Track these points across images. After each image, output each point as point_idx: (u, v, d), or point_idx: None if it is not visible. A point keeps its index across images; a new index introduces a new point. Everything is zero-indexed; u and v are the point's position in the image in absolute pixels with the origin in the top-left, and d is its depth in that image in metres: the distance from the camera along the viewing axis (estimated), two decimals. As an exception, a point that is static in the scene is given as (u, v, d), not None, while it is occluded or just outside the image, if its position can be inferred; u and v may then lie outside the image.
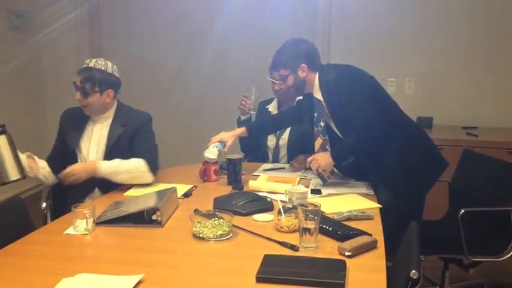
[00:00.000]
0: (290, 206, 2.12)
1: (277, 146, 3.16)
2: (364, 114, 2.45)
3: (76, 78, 2.56)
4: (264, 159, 3.19)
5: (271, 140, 3.18)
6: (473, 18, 4.20)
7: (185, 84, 4.93)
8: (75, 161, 2.60)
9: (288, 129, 3.13)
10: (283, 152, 3.15)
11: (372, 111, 2.45)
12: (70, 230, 1.97)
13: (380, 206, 2.27)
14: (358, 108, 2.45)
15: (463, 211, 2.47)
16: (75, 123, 2.65)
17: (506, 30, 4.17)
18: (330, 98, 2.56)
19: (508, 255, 2.52)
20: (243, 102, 3.12)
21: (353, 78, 2.52)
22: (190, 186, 2.56)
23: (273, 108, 3.22)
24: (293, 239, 1.85)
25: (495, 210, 2.56)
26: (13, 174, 2.27)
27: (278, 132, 3.14)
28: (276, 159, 3.17)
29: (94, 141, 2.63)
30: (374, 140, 2.49)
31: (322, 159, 2.54)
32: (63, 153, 2.63)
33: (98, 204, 2.19)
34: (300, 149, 3.01)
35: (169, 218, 2.12)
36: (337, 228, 1.90)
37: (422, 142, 2.67)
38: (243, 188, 2.54)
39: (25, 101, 4.97)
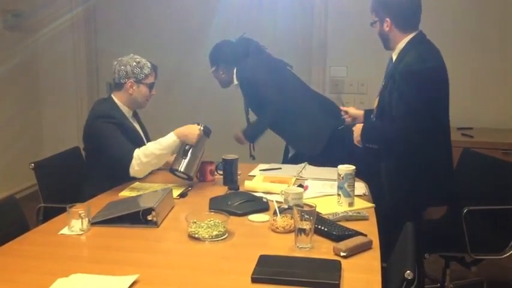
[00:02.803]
0: (286, 206, 2.11)
1: None
2: (405, 120, 2.37)
3: (150, 78, 2.71)
4: None
5: None
6: (469, 20, 4.21)
7: (183, 84, 4.92)
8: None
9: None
10: None
11: (413, 122, 2.36)
12: (65, 230, 1.96)
13: (373, 205, 2.27)
14: (402, 112, 2.37)
15: (466, 209, 2.49)
16: (117, 117, 2.66)
17: (502, 32, 4.18)
18: (394, 71, 2.45)
19: (510, 253, 2.54)
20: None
21: (420, 82, 2.35)
22: (186, 186, 2.56)
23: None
24: (288, 239, 1.86)
25: (498, 208, 2.58)
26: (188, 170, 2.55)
27: None
28: None
29: (140, 132, 2.81)
30: (404, 142, 2.42)
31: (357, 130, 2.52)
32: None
33: (93, 204, 2.19)
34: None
35: (164, 218, 2.12)
36: (332, 229, 1.90)
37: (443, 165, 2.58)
38: (238, 188, 2.54)
39: (21, 101, 4.96)
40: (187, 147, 2.55)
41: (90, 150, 2.71)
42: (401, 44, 2.49)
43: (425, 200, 2.55)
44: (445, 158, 2.57)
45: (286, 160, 3.36)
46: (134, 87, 2.67)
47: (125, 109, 2.72)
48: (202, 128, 2.58)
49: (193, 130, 2.55)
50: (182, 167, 2.54)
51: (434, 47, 2.53)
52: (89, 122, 2.64)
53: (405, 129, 2.38)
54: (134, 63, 2.66)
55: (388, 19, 2.46)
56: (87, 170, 2.73)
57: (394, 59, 2.54)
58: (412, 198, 2.48)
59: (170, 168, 2.58)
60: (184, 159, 2.55)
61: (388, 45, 2.57)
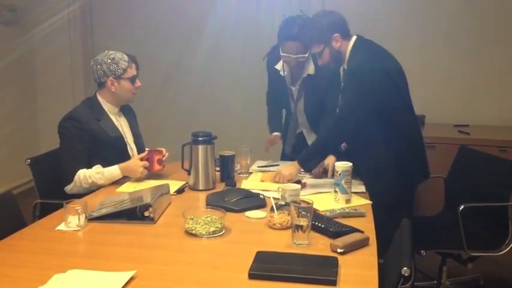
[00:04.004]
0: (283, 203, 2.11)
1: (295, 112, 3.07)
2: (345, 111, 2.50)
3: (130, 71, 2.63)
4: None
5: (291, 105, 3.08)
6: (465, 16, 4.21)
7: (180, 81, 4.91)
8: (125, 149, 2.69)
9: (302, 99, 3.00)
10: (303, 120, 3.07)
11: (352, 111, 2.45)
12: (62, 226, 1.96)
13: (370, 202, 2.28)
14: (343, 100, 2.50)
15: (462, 206, 2.49)
16: (94, 120, 2.62)
17: (498, 28, 4.18)
18: (345, 75, 2.57)
19: (506, 250, 2.57)
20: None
21: (361, 67, 2.43)
22: (183, 182, 2.55)
23: (280, 67, 2.97)
24: (285, 235, 1.86)
25: (494, 205, 2.59)
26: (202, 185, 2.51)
27: (295, 98, 3.01)
28: (296, 125, 3.10)
29: (126, 129, 2.76)
30: (344, 139, 2.56)
31: (285, 170, 2.55)
32: (105, 149, 2.60)
33: (90, 200, 2.18)
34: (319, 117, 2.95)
35: (161, 214, 2.12)
36: (329, 225, 1.91)
37: (414, 146, 2.60)
38: (235, 185, 2.54)
39: (17, 97, 4.94)
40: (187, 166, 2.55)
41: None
42: (348, 53, 2.54)
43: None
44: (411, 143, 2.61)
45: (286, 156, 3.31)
46: (115, 84, 2.62)
47: (108, 107, 2.68)
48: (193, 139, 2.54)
49: (135, 167, 2.55)
50: (198, 185, 2.51)
51: (374, 47, 2.57)
52: (60, 121, 2.62)
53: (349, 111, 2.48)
54: (109, 61, 2.60)
55: (337, 34, 2.50)
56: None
57: (346, 67, 2.59)
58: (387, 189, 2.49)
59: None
60: (192, 175, 2.53)
61: (342, 61, 2.58)
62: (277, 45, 2.88)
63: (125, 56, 2.65)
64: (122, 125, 2.75)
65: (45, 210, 2.32)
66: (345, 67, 2.58)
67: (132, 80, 2.65)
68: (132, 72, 2.65)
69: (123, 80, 2.63)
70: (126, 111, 2.83)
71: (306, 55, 2.78)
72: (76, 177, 2.51)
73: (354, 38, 2.54)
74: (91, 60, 2.67)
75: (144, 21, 4.95)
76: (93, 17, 5.15)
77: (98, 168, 2.53)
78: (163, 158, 2.67)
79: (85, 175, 2.51)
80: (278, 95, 3.09)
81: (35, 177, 2.65)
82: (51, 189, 2.63)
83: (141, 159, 2.56)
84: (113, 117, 2.70)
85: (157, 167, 2.63)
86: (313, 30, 2.54)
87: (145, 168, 2.56)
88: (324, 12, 2.62)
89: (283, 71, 2.95)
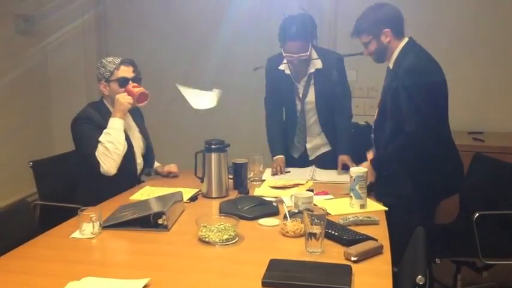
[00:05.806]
0: (296, 210, 2.11)
1: (303, 111, 3.07)
2: (416, 122, 2.39)
3: (118, 73, 2.63)
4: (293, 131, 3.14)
5: (297, 106, 3.08)
6: (480, 22, 4.19)
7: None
8: (130, 147, 2.69)
9: (312, 90, 3.01)
10: (312, 117, 3.09)
11: (425, 123, 2.40)
12: (76, 234, 1.97)
13: (386, 208, 2.27)
14: (413, 112, 2.40)
15: (477, 214, 2.47)
16: (101, 118, 2.64)
17: (513, 35, 4.16)
18: (394, 76, 2.50)
19: None
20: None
21: (426, 80, 2.39)
22: (196, 190, 2.56)
23: (285, 67, 3.05)
24: (299, 243, 1.85)
25: (509, 213, 2.57)
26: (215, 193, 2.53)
27: (301, 95, 3.03)
28: (303, 126, 3.10)
29: (136, 133, 2.82)
30: (415, 152, 2.43)
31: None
32: None
33: (104, 208, 2.20)
34: (330, 110, 2.99)
35: (175, 222, 2.13)
36: (343, 233, 1.90)
37: (452, 162, 2.60)
38: (248, 192, 2.54)
39: (31, 105, 4.99)
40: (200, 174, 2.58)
41: (76, 152, 2.74)
42: (396, 52, 2.53)
43: (434, 197, 2.58)
44: (452, 156, 2.62)
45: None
46: (107, 88, 2.66)
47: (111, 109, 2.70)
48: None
49: (121, 99, 2.58)
50: (211, 193, 2.52)
51: (425, 50, 2.58)
52: (71, 125, 2.66)
53: (417, 132, 2.40)
54: (99, 65, 2.65)
55: (387, 30, 2.50)
56: (78, 172, 2.75)
57: (391, 67, 2.56)
58: (420, 197, 2.48)
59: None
60: (205, 182, 2.54)
61: (384, 57, 2.59)
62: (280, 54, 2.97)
63: (117, 59, 2.65)
64: (128, 121, 2.76)
65: (50, 213, 2.36)
66: (390, 66, 2.57)
67: (121, 82, 2.63)
68: (121, 73, 2.64)
69: (112, 82, 2.64)
70: (135, 115, 2.85)
71: (308, 53, 2.85)
72: (97, 155, 2.53)
73: (406, 39, 2.54)
74: None
75: (158, 30, 4.98)
76: (107, 26, 5.18)
77: (104, 137, 2.55)
78: (144, 91, 2.64)
79: (104, 147, 2.53)
80: (280, 96, 3.11)
81: (37, 179, 2.75)
82: (53, 192, 2.73)
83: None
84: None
85: (135, 90, 2.60)
86: (365, 20, 2.54)
87: (129, 95, 2.59)
88: (380, 4, 2.56)
89: (289, 69, 3.02)
